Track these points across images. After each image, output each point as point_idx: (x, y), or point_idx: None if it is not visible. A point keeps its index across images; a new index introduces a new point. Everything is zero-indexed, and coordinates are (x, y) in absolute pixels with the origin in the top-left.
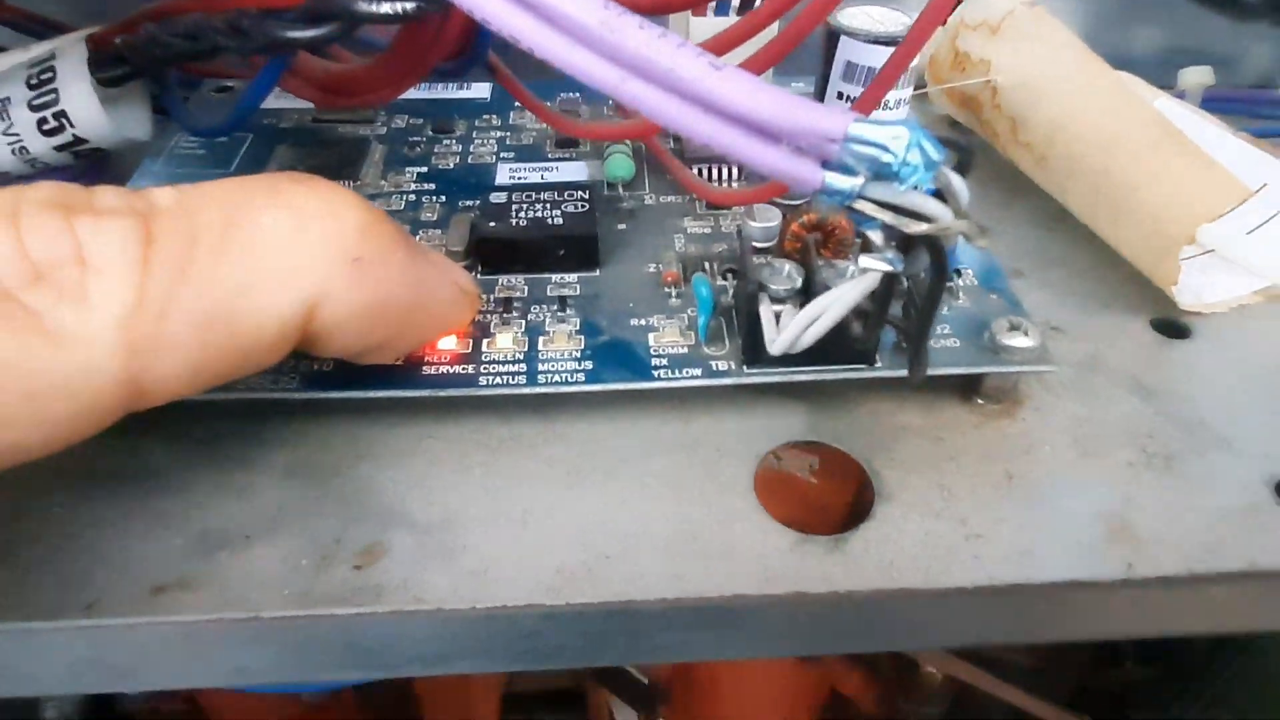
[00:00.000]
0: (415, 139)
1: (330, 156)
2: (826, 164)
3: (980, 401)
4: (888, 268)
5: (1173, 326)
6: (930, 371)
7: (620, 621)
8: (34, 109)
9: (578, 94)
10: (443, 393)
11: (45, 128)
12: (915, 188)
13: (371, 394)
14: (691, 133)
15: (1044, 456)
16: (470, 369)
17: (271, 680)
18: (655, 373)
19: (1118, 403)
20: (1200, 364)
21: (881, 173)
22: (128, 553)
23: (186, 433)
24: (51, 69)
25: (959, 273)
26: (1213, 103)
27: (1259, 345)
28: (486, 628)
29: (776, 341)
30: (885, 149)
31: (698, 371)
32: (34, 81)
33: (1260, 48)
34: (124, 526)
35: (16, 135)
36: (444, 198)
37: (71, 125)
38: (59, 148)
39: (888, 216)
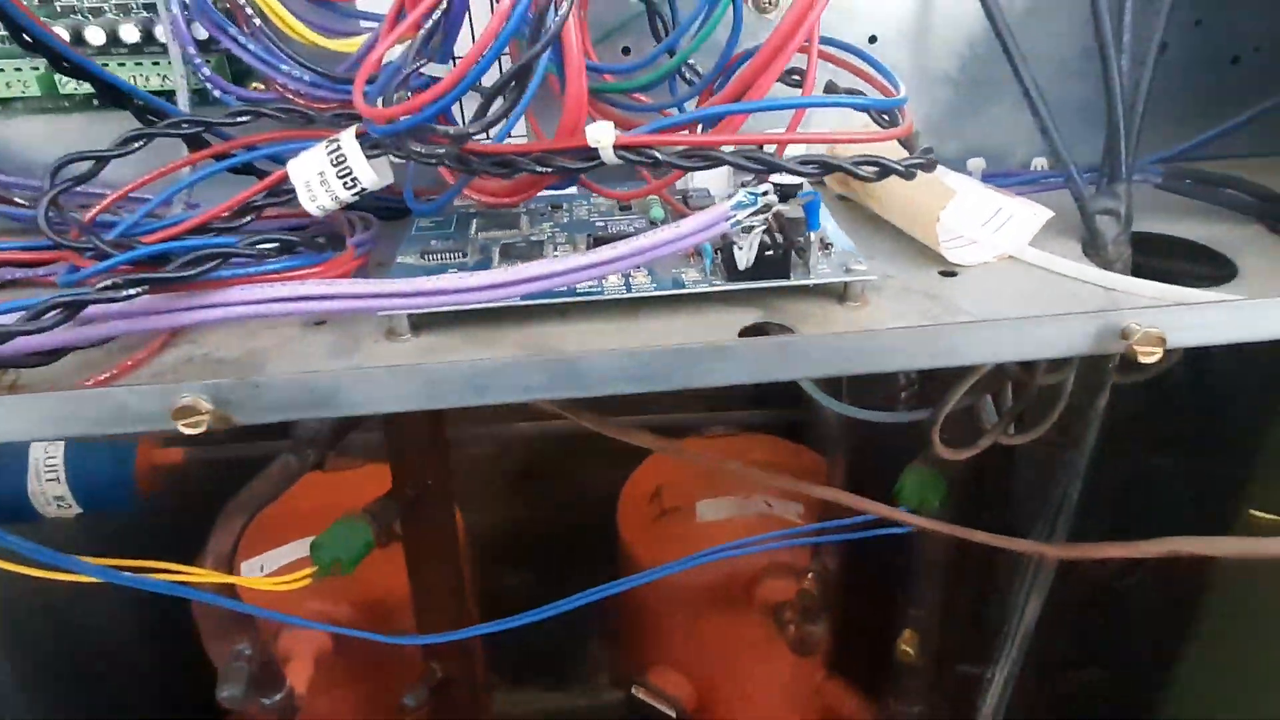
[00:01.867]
0: (544, 211)
1: (498, 222)
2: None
3: (849, 302)
4: (761, 228)
5: (949, 273)
6: (817, 281)
7: (681, 356)
8: (340, 178)
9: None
10: (586, 298)
11: (346, 185)
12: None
13: (553, 300)
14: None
15: (878, 321)
16: (599, 286)
17: (537, 396)
18: (685, 285)
19: (916, 302)
20: (961, 285)
21: (744, 203)
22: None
23: (456, 329)
24: (342, 153)
25: (831, 245)
26: (988, 177)
27: (993, 278)
28: (625, 361)
29: (739, 261)
30: (744, 200)
31: (705, 286)
32: (334, 160)
33: (1022, 148)
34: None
35: (333, 191)
36: (566, 234)
37: (359, 182)
38: (354, 194)
39: (758, 216)
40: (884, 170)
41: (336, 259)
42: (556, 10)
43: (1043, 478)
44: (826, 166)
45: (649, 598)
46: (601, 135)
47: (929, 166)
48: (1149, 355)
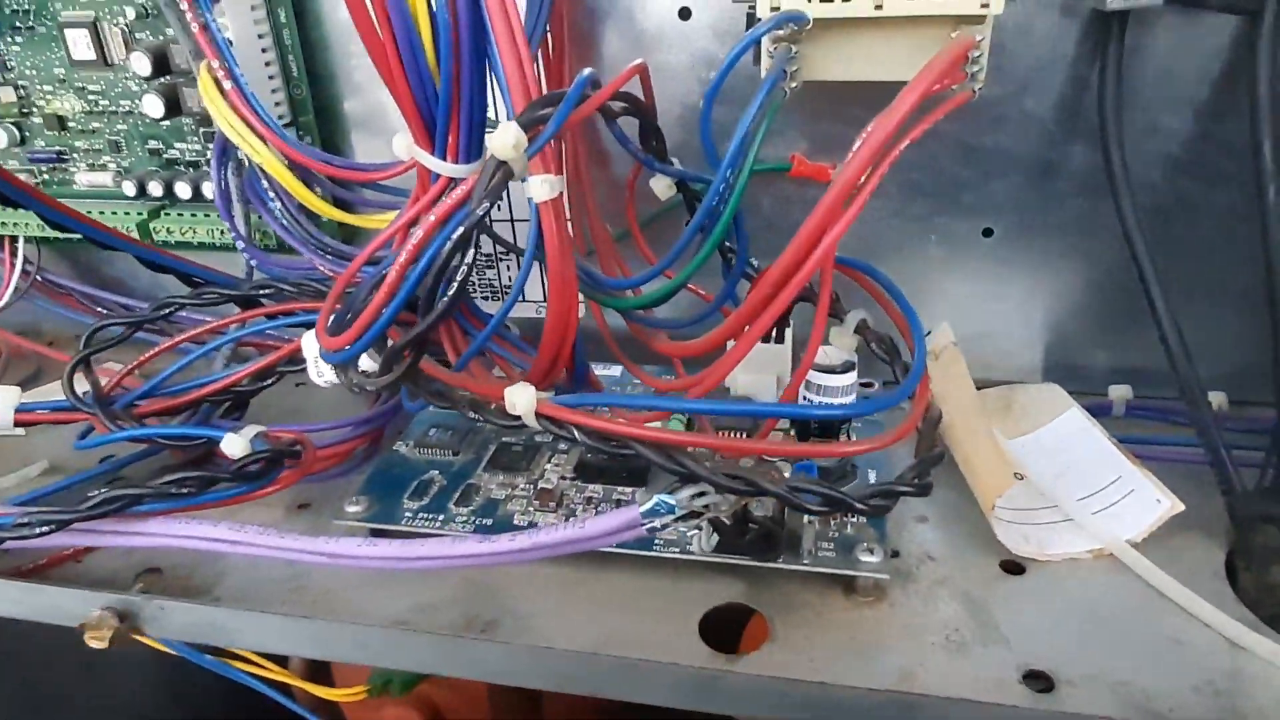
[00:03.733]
0: None
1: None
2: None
3: (856, 594)
4: (699, 531)
5: (1015, 566)
6: (811, 569)
7: (591, 664)
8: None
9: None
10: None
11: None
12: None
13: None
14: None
15: (881, 632)
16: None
17: (430, 670)
18: (653, 548)
19: (948, 608)
20: (1019, 593)
21: (659, 511)
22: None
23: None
24: None
25: (850, 519)
26: (1136, 410)
27: (1070, 589)
28: (528, 658)
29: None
30: (658, 507)
31: (675, 550)
32: None
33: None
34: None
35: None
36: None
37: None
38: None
39: (690, 520)
40: (831, 501)
41: (281, 478)
42: (449, 282)
43: None
44: (753, 485)
45: None
46: (519, 399)
47: (877, 511)
48: None
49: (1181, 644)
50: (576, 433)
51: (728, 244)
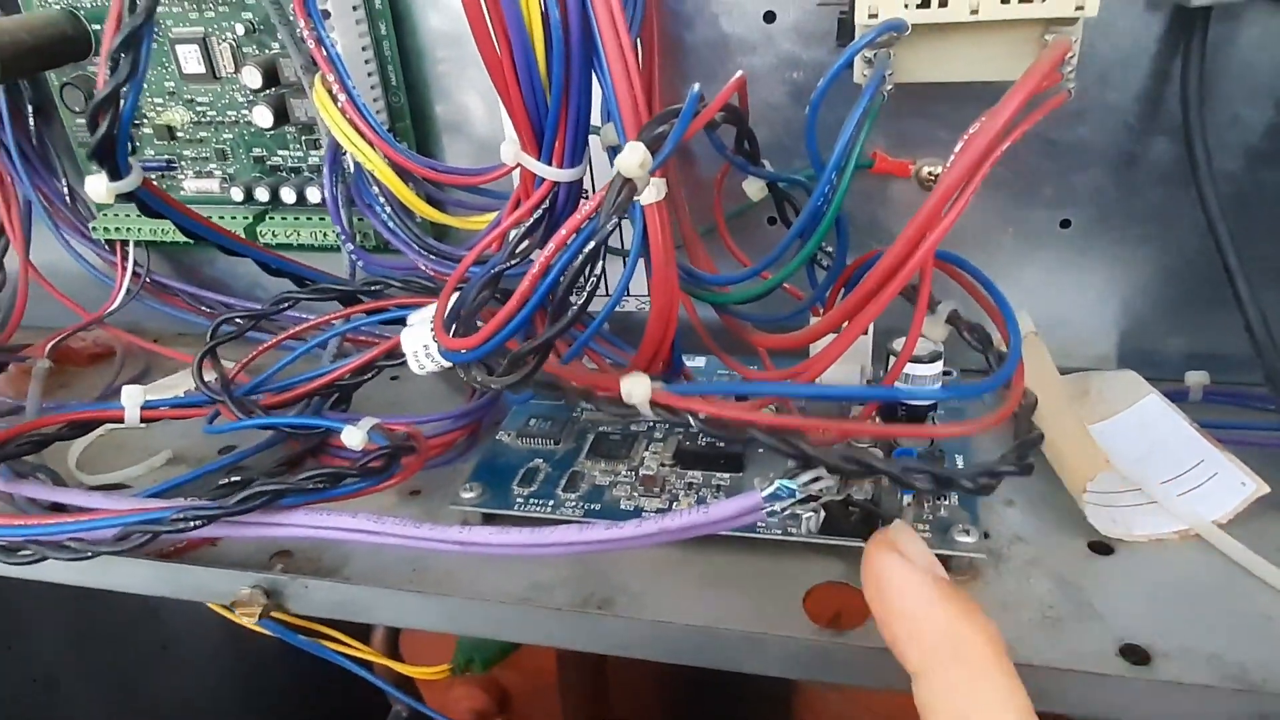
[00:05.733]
0: None
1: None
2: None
3: (951, 573)
4: (813, 514)
5: (1103, 547)
6: None
7: (708, 637)
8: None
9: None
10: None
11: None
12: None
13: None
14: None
15: None
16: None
17: (556, 643)
18: (757, 530)
19: (1040, 586)
20: (1109, 573)
21: (780, 495)
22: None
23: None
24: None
25: (944, 497)
26: (1212, 395)
27: (1159, 568)
28: (647, 630)
29: (802, 526)
30: (779, 491)
31: (777, 532)
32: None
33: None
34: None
35: (436, 360)
36: (664, 430)
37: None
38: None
39: (809, 504)
40: (940, 481)
41: (398, 473)
42: (581, 286)
43: None
44: (867, 467)
45: None
46: (635, 389)
47: (984, 490)
48: None
49: (1271, 620)
50: (693, 420)
51: (825, 247)
